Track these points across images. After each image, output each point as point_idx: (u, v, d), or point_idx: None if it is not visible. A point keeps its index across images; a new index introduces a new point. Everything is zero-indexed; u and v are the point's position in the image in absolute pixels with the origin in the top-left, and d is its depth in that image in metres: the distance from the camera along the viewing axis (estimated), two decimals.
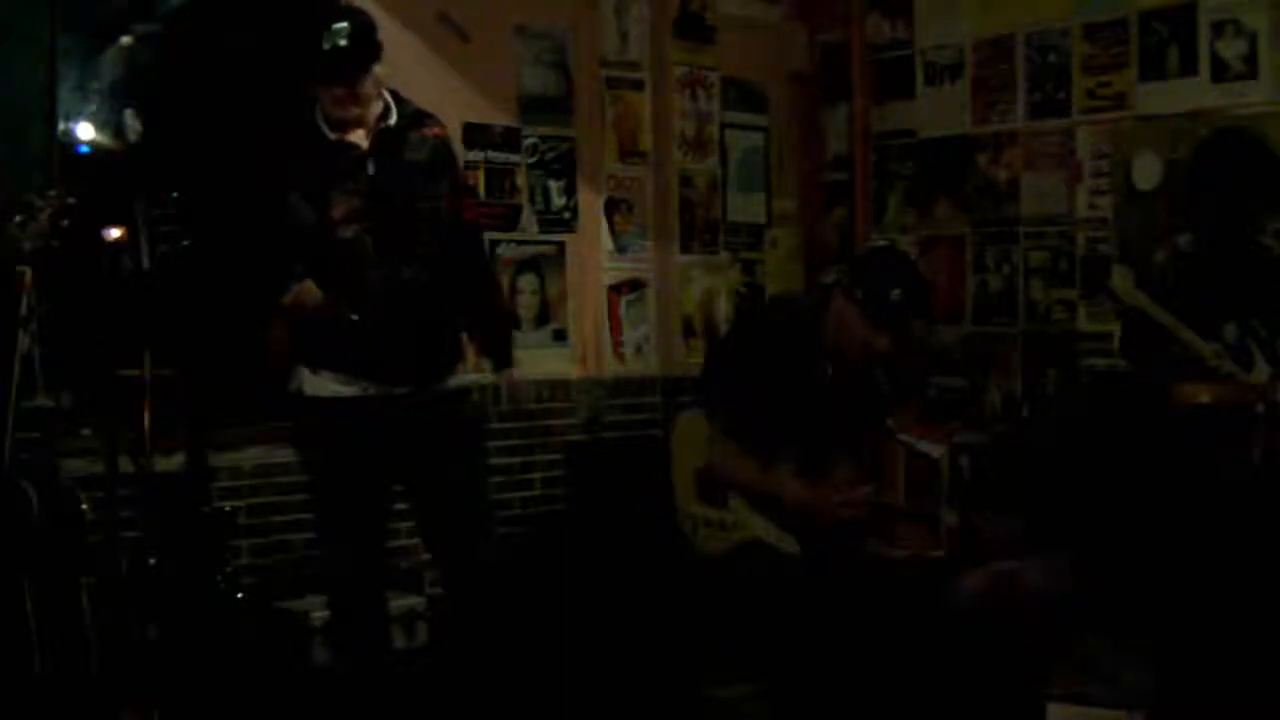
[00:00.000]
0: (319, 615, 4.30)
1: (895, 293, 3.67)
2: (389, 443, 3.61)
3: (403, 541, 4.90)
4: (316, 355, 3.59)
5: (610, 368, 5.55)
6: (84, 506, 3.69)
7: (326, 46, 3.47)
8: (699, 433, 3.89)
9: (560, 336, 5.47)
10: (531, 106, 5.37)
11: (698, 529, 3.88)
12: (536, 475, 5.32)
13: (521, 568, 5.15)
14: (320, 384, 3.59)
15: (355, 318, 3.50)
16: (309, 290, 3.52)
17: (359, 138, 3.56)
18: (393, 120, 3.62)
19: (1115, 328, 5.12)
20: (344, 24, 3.50)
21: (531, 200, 5.38)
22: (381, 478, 3.67)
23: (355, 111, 3.53)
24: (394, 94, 3.67)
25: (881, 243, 4.86)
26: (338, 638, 3.90)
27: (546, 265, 5.43)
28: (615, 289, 5.59)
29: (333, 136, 3.55)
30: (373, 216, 3.53)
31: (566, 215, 5.48)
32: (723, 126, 5.92)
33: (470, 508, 3.77)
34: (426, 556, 4.90)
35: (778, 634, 3.75)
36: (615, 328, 5.60)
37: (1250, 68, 4.93)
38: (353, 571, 3.71)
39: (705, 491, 3.86)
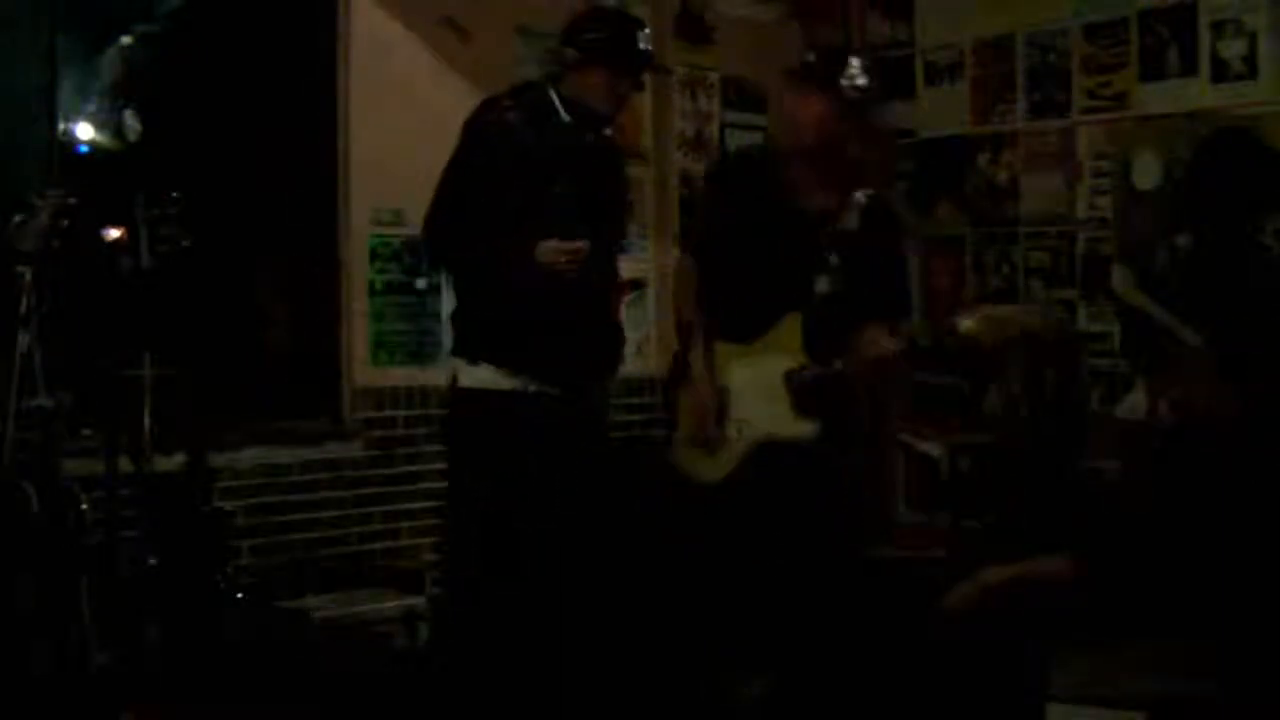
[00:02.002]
0: (320, 615, 4.30)
1: (856, 63, 3.63)
2: (538, 440, 3.64)
3: (403, 542, 4.92)
4: (480, 349, 3.63)
5: None
6: (84, 506, 3.69)
7: (641, 46, 3.64)
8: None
9: None
10: None
11: (696, 461, 3.79)
12: None
13: (520, 568, 5.15)
14: (478, 376, 3.62)
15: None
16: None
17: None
18: (609, 130, 3.79)
19: (1115, 328, 5.13)
20: (647, 29, 3.69)
21: None
22: (524, 473, 3.68)
23: (623, 110, 3.74)
24: None
25: None
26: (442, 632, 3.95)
27: None
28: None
29: (567, 119, 3.63)
30: (582, 208, 3.62)
31: None
32: (723, 126, 5.92)
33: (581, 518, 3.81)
34: (428, 557, 4.93)
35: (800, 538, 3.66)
36: None
37: (1250, 68, 4.93)
38: (477, 571, 3.73)
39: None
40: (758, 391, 3.71)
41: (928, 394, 5.88)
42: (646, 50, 3.63)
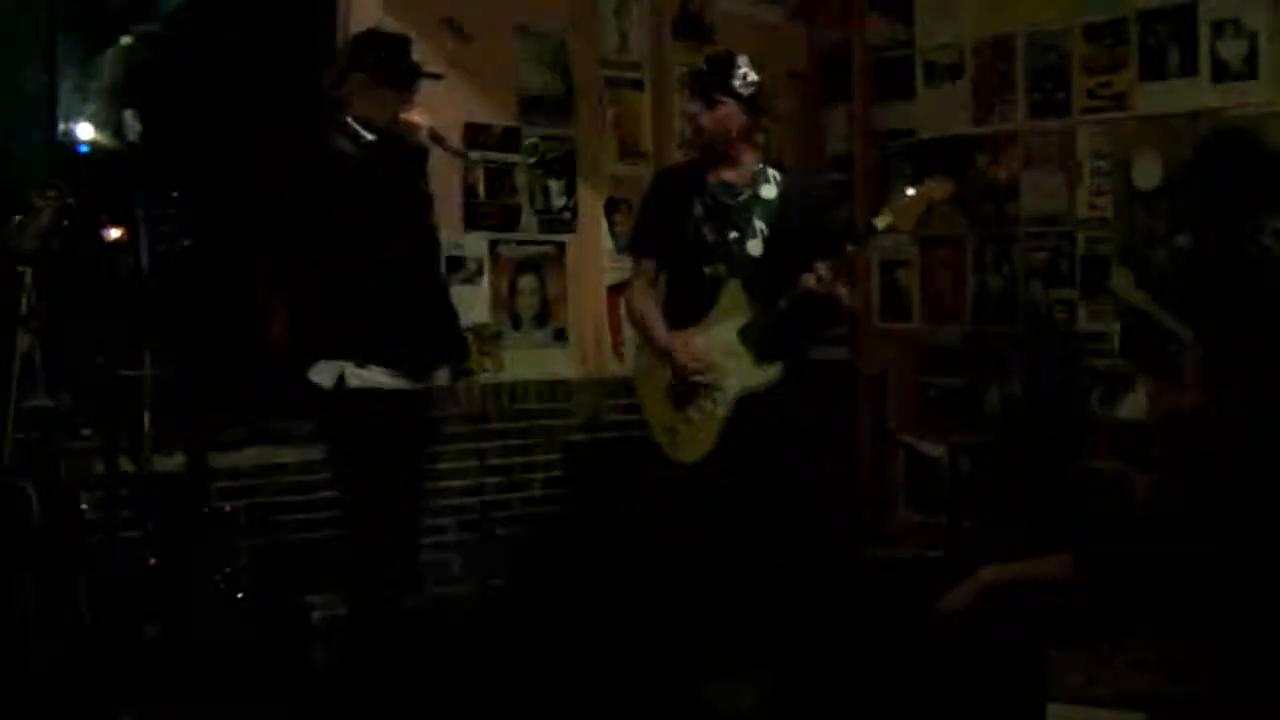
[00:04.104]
0: (320, 615, 4.30)
1: (743, 64, 4.02)
2: (413, 435, 3.90)
3: None
4: (368, 350, 3.77)
5: (610, 368, 5.55)
6: (84, 506, 3.69)
7: (413, 60, 3.96)
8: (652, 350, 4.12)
9: (560, 336, 5.47)
10: (531, 106, 5.37)
11: (683, 441, 4.01)
12: (536, 475, 5.32)
13: (521, 568, 5.16)
14: (369, 377, 3.75)
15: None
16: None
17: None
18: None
19: (1115, 328, 5.13)
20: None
21: (531, 200, 5.38)
22: (408, 469, 3.90)
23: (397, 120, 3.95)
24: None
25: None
26: (356, 629, 3.95)
27: (546, 265, 5.43)
28: (615, 289, 5.59)
29: (370, 137, 3.85)
30: (410, 211, 3.95)
31: (566, 215, 5.48)
32: None
33: (423, 506, 4.13)
34: (427, 557, 4.93)
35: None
36: (615, 328, 5.59)
37: (1250, 68, 4.93)
38: (383, 565, 3.85)
39: (679, 399, 4.03)
40: (719, 357, 4.00)
41: (928, 394, 5.89)
42: (417, 64, 3.95)
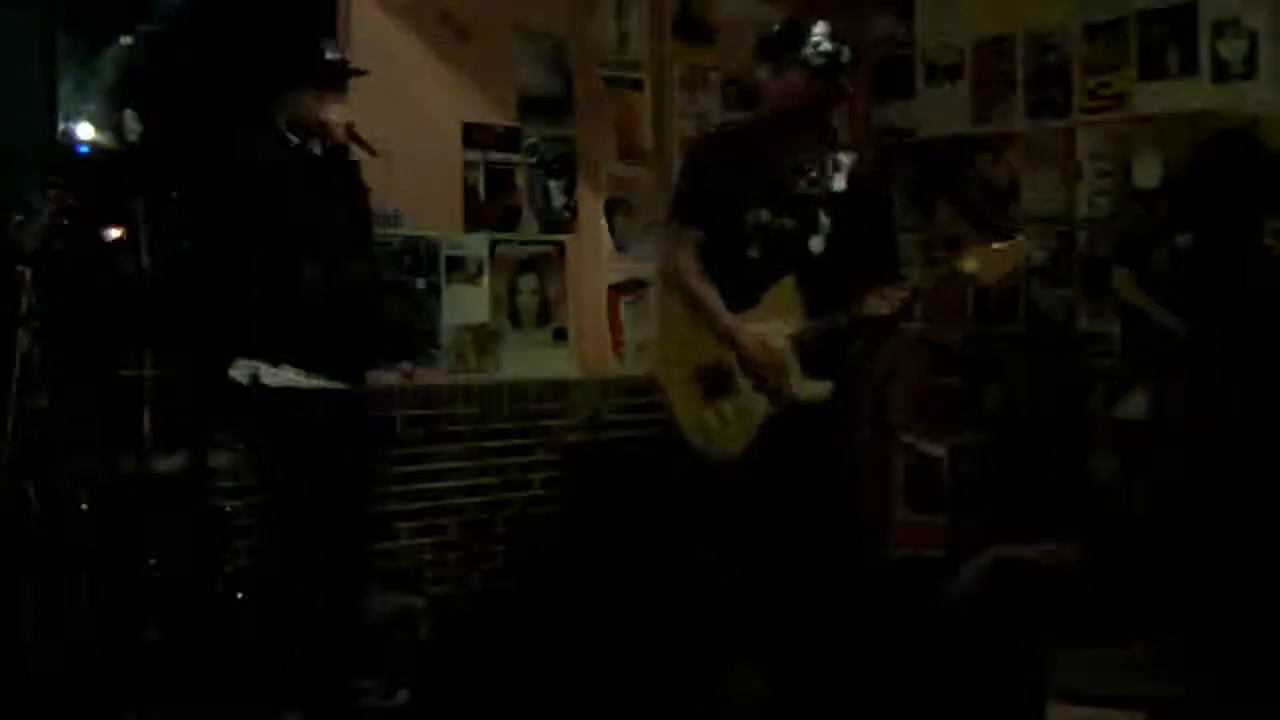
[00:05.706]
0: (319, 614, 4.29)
1: (819, 31, 3.58)
2: (335, 436, 3.85)
3: (404, 542, 4.92)
4: (280, 349, 3.77)
5: (610, 368, 5.55)
6: (84, 506, 3.69)
7: (330, 57, 3.95)
8: (685, 330, 3.72)
9: (560, 336, 5.47)
10: (531, 106, 5.37)
11: (712, 437, 3.65)
12: (536, 475, 5.32)
13: (521, 568, 5.16)
14: (283, 376, 3.76)
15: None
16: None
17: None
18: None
19: (1115, 328, 5.13)
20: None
21: (531, 200, 5.38)
22: (330, 469, 3.85)
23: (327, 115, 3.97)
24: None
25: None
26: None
27: (546, 265, 5.43)
28: (615, 289, 5.59)
29: (296, 141, 3.90)
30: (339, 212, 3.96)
31: (566, 215, 5.48)
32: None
33: (367, 510, 4.11)
34: (427, 557, 4.93)
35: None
36: (615, 328, 5.59)
37: (1250, 68, 4.93)
38: (308, 564, 3.84)
39: (711, 389, 3.65)
40: None
41: (928, 394, 5.89)
42: (337, 59, 3.95)
